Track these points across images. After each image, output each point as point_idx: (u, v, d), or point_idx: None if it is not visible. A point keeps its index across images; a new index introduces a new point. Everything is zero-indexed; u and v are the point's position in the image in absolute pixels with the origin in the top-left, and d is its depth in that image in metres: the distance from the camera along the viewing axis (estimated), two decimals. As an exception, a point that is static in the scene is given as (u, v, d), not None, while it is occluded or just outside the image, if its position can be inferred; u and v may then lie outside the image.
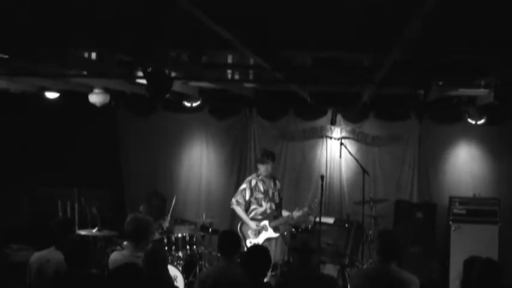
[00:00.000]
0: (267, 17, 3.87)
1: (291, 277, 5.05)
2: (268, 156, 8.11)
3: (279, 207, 8.31)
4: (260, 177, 8.16)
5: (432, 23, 3.30)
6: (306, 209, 8.23)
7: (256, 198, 8.12)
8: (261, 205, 8.11)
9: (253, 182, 8.15)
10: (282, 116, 9.74)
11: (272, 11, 3.68)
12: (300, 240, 5.27)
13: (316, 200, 8.39)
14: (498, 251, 8.46)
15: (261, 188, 8.13)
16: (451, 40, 4.49)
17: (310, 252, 5.03)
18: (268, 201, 8.15)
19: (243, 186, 8.20)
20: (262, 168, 8.10)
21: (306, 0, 3.50)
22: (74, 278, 4.73)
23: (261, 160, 8.14)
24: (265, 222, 8.07)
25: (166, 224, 8.31)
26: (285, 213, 8.30)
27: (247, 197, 8.11)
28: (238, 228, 8.06)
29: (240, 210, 8.09)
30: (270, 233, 8.06)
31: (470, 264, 4.63)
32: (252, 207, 8.13)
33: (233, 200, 8.17)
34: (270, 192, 8.18)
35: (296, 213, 8.16)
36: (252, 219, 8.06)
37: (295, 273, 5.05)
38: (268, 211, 8.13)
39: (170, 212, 8.59)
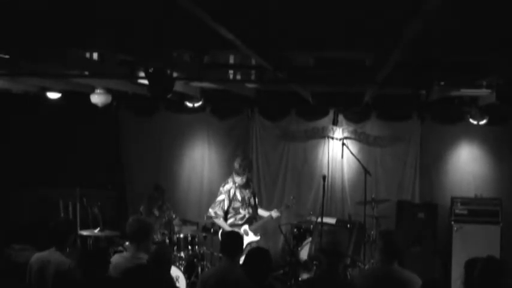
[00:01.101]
0: (268, 17, 3.87)
1: (317, 282, 4.98)
2: (243, 167, 7.95)
3: (255, 209, 8.29)
4: (237, 184, 8.03)
5: (434, 23, 3.30)
6: (282, 207, 8.36)
7: (234, 208, 8.02)
8: (239, 213, 8.06)
9: (232, 192, 8.00)
10: (284, 116, 9.74)
11: (273, 10, 3.68)
12: (330, 243, 5.12)
13: (291, 197, 8.50)
14: (500, 251, 8.45)
15: (239, 197, 8.04)
16: (452, 40, 4.48)
17: (339, 255, 4.96)
18: (245, 208, 8.10)
19: (221, 197, 8.01)
20: (238, 179, 7.98)
21: (306, 0, 3.50)
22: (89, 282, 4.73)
23: (237, 172, 7.96)
24: (245, 227, 8.02)
25: (176, 228, 8.29)
26: (262, 212, 8.31)
27: (226, 208, 8.01)
28: (219, 235, 7.89)
29: (220, 222, 8.00)
30: (251, 237, 8.01)
31: (472, 265, 4.63)
32: (230, 214, 8.06)
33: (211, 212, 8.03)
34: (247, 198, 8.13)
35: (274, 214, 8.19)
36: (233, 225, 7.98)
37: (322, 278, 4.99)
38: (247, 216, 8.09)
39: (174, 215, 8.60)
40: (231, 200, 8.00)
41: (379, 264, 5.06)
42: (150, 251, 5.23)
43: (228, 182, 8.10)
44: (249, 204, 8.15)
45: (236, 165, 7.98)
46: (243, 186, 8.07)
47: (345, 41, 4.51)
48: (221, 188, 8.10)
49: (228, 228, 7.87)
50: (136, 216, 6.24)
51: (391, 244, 4.90)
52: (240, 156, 8.32)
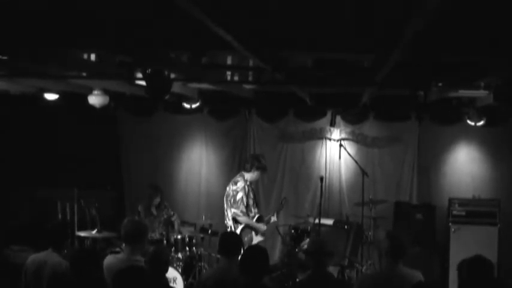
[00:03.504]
0: (267, 18, 3.87)
1: (309, 283, 5.00)
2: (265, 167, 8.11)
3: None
4: (248, 182, 7.99)
5: (433, 24, 3.30)
6: (274, 213, 8.39)
7: (248, 205, 7.94)
8: (251, 211, 8.00)
9: (246, 189, 7.93)
10: (282, 117, 9.73)
11: (272, 11, 3.68)
12: (315, 243, 5.21)
13: (283, 197, 8.64)
14: (498, 252, 8.46)
15: (251, 195, 8.04)
16: (451, 41, 4.49)
17: (325, 254, 5.01)
18: (256, 206, 8.13)
19: (240, 195, 7.86)
20: (255, 175, 8.00)
21: (306, 0, 3.50)
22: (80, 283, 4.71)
23: (264, 169, 8.03)
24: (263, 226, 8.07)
25: (176, 225, 8.32)
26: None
27: (245, 205, 7.93)
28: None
29: (246, 219, 7.86)
30: (259, 237, 8.02)
31: (461, 267, 4.64)
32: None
33: (237, 212, 7.80)
34: (255, 196, 8.20)
35: (273, 218, 8.26)
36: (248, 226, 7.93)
37: (313, 279, 5.01)
38: (257, 214, 8.08)
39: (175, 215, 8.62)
40: (247, 197, 7.92)
41: (386, 265, 4.93)
42: (146, 253, 5.22)
43: (238, 181, 7.96)
44: (256, 203, 8.20)
45: (264, 162, 8.08)
46: (250, 185, 8.05)
47: (344, 41, 4.51)
48: (234, 187, 7.92)
49: (253, 223, 7.91)
50: (131, 218, 6.23)
51: (398, 244, 4.88)
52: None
